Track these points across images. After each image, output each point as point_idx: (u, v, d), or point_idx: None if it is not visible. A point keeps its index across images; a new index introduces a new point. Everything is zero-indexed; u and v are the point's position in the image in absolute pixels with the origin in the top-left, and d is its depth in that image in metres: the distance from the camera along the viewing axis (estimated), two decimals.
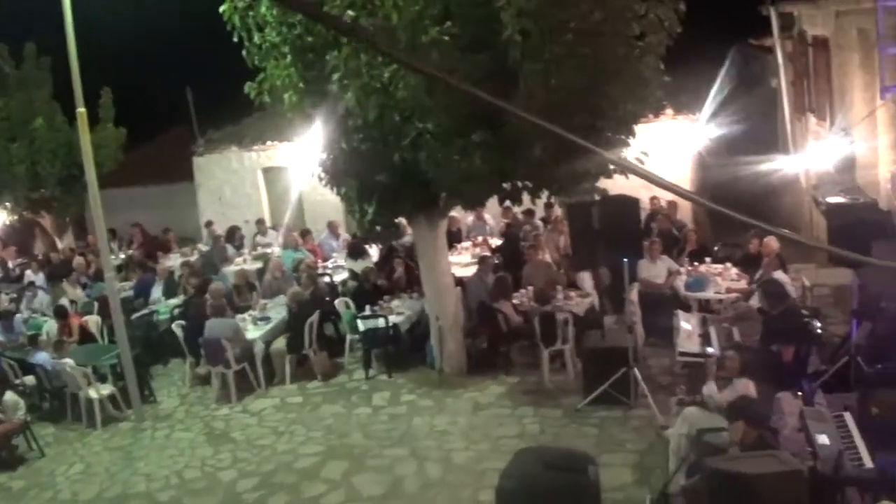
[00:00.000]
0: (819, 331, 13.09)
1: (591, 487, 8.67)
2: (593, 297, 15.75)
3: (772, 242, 15.15)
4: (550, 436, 12.77)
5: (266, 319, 16.66)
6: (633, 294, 14.82)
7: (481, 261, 17.37)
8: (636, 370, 13.24)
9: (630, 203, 13.30)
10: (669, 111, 21.20)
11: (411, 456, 12.61)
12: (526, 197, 13.77)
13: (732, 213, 5.18)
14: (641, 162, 12.77)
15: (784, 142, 21.20)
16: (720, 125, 21.94)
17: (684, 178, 21.72)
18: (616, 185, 12.94)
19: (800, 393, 10.40)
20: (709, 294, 15.62)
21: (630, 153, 13.00)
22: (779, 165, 18.71)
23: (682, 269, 16.50)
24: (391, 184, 13.42)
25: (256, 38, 13.15)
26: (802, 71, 20.99)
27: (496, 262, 17.69)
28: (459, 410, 13.97)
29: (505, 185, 13.34)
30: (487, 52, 11.83)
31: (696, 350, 12.72)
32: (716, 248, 18.08)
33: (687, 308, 15.03)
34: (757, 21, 21.40)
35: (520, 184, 13.37)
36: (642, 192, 17.67)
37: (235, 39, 13.24)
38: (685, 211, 20.57)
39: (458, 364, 15.38)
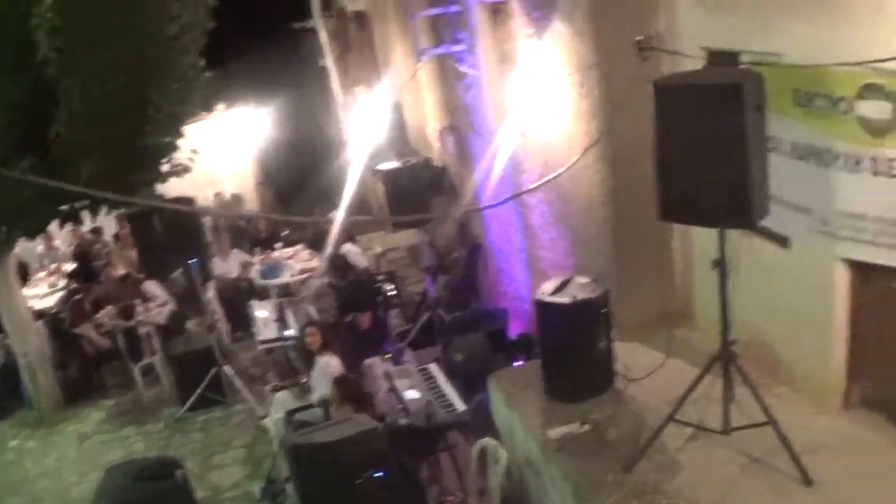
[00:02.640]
0: (393, 293, 13.46)
1: (180, 490, 8.66)
2: (172, 303, 15.43)
3: (334, 217, 15.40)
4: (157, 450, 12.42)
5: None
6: (211, 293, 14.69)
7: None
8: (227, 367, 13.11)
9: (186, 203, 13.09)
10: (222, 106, 21.12)
11: (31, 502, 11.94)
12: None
13: (273, 216, 5.04)
14: (192, 161, 12.69)
15: (338, 118, 21.57)
16: (277, 112, 22.10)
17: (246, 170, 21.77)
18: (177, 186, 12.85)
19: (388, 355, 10.57)
20: (284, 279, 15.65)
21: (182, 154, 12.92)
22: (335, 142, 19.09)
23: (255, 259, 16.46)
24: None
25: None
26: (347, 47, 21.41)
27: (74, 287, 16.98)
28: (66, 444, 13.33)
29: (63, 207, 12.81)
30: (28, 73, 11.24)
31: (274, 336, 12.72)
32: (284, 233, 18.19)
33: (267, 297, 15.02)
34: (303, 2, 21.67)
35: (77, 204, 12.87)
36: (207, 189, 17.50)
37: None
38: (252, 200, 20.63)
39: (54, 398, 14.57)
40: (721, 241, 5.89)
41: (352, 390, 9.19)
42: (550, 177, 8.42)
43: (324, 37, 21.01)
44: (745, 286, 6.64)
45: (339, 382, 9.34)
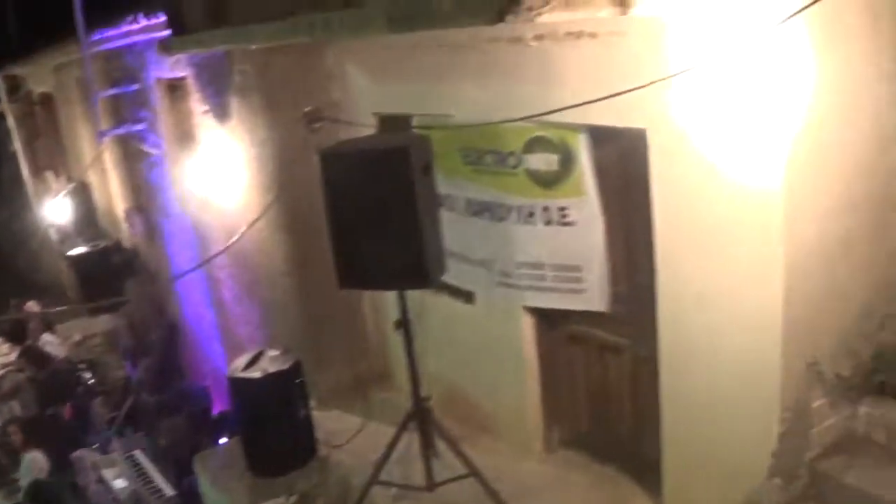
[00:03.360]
0: (93, 381, 13.04)
1: None
2: None
3: (32, 307, 14.83)
4: None
5: None
6: None
7: None
8: None
9: None
10: None
11: None
12: None
13: None
14: None
15: (29, 204, 20.84)
16: None
17: None
18: None
19: (96, 445, 10.22)
20: None
21: None
22: (28, 229, 18.45)
23: None
24: None
25: None
26: (35, 131, 20.77)
27: None
28: None
29: None
30: None
31: None
32: None
33: None
34: None
35: None
36: None
37: None
38: None
39: None
40: (402, 303, 5.92)
41: (46, 495, 8.82)
42: (215, 254, 8.40)
43: (11, 122, 20.44)
44: (437, 342, 6.77)
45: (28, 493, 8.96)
